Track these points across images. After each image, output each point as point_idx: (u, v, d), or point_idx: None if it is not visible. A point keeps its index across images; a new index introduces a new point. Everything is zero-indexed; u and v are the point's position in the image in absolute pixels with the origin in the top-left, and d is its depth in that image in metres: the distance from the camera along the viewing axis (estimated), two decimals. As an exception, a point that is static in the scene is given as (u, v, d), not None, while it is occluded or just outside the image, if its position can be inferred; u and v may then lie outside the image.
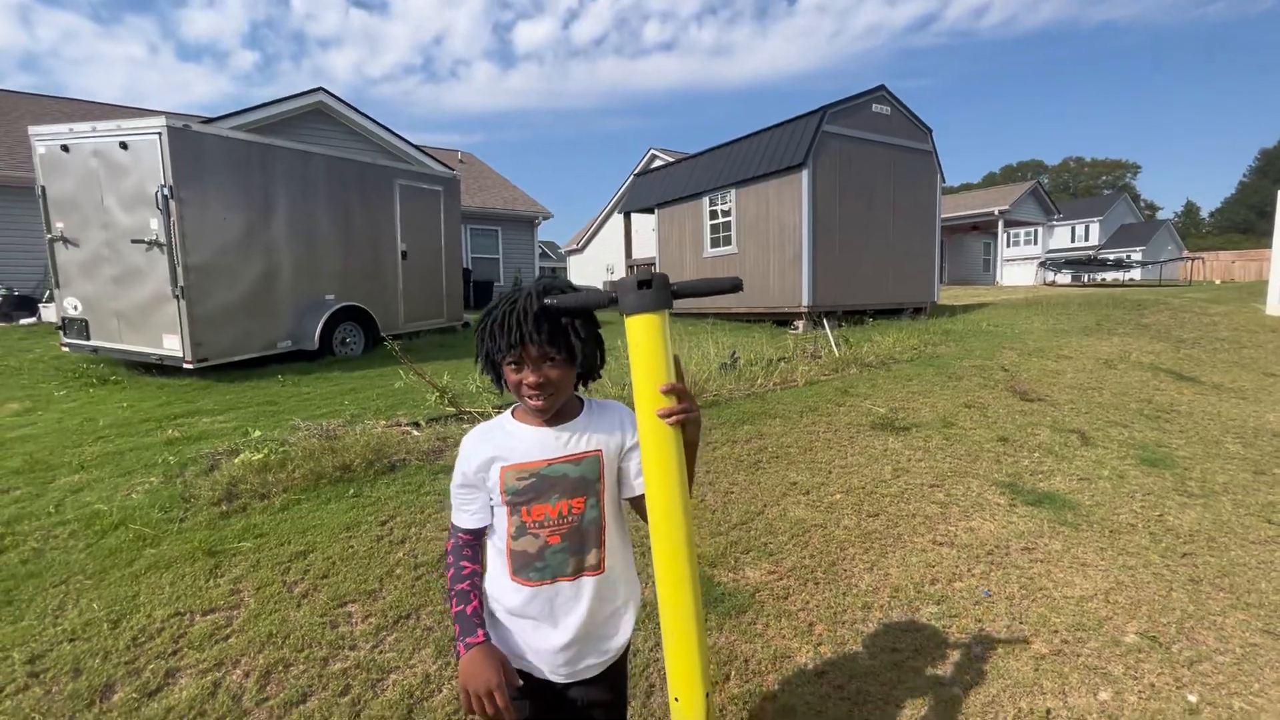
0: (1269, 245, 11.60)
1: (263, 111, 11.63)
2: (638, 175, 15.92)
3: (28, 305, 10.73)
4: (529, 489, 1.12)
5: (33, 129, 6.35)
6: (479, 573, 1.18)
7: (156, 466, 3.77)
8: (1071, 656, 2.26)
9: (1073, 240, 36.62)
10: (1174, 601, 2.61)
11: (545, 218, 18.56)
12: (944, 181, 11.74)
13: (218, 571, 2.65)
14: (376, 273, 8.31)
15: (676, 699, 1.05)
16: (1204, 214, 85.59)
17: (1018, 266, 28.71)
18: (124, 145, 5.75)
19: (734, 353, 5.90)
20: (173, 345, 5.95)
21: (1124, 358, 7.14)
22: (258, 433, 3.97)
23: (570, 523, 1.12)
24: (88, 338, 6.36)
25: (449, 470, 1.95)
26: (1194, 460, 4.26)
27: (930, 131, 11.18)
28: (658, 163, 19.82)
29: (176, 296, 5.83)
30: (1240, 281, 19.13)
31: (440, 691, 2.02)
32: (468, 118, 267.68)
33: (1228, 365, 7.16)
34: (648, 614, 2.44)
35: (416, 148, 13.78)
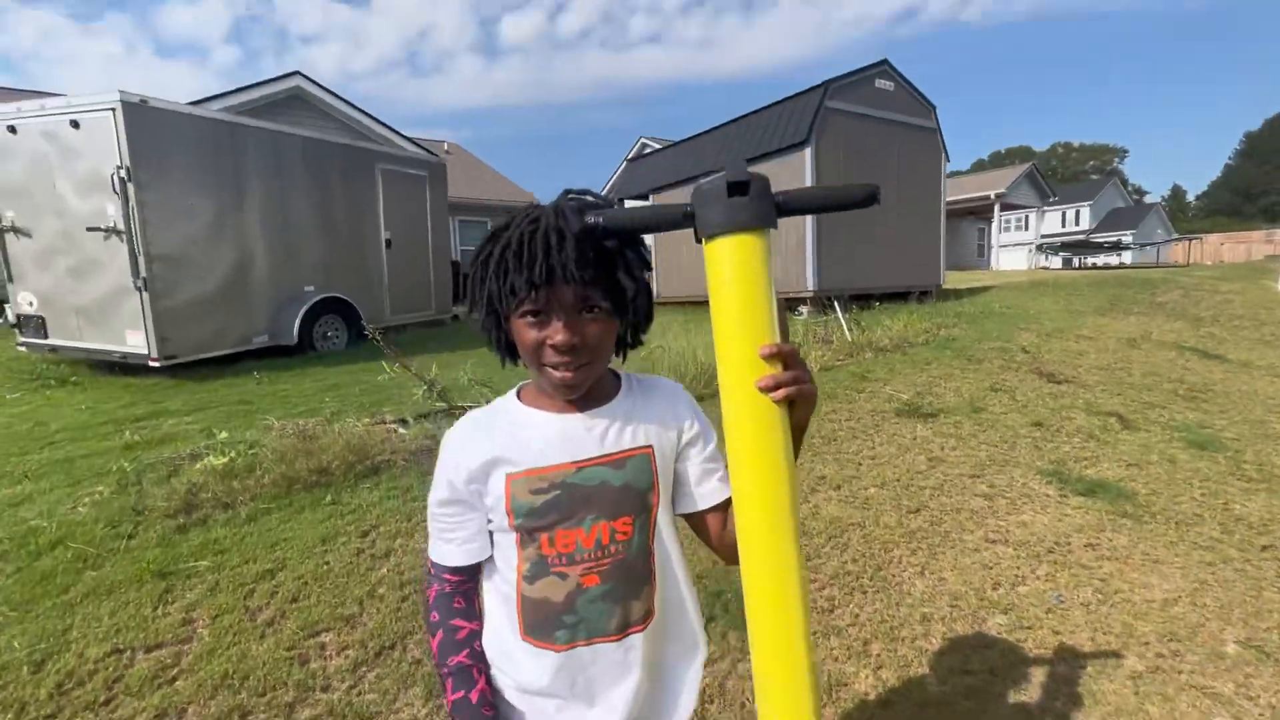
0: (1256, 229, 11.42)
1: (238, 97, 11.05)
2: (630, 161, 15.45)
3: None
4: (550, 507, 0.75)
5: (-23, 111, 5.85)
6: (478, 632, 0.81)
7: (110, 474, 3.36)
8: (1171, 673, 1.93)
9: (1063, 225, 36.56)
10: (1268, 602, 2.30)
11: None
12: (948, 161, 11.36)
13: (168, 597, 2.27)
14: (359, 262, 7.86)
15: None
16: (1190, 197, 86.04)
17: (1010, 252, 28.58)
18: (75, 124, 5.27)
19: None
20: (137, 342, 5.50)
21: (1145, 337, 6.85)
22: (224, 434, 3.57)
23: (615, 555, 0.76)
24: (45, 336, 5.89)
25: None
26: (1244, 442, 3.96)
27: (934, 108, 10.78)
28: (648, 150, 19.29)
29: (139, 289, 5.37)
30: (1231, 263, 18.99)
31: (430, 744, 1.66)
32: (454, 114, 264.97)
33: (1251, 343, 6.88)
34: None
35: (400, 135, 13.24)
